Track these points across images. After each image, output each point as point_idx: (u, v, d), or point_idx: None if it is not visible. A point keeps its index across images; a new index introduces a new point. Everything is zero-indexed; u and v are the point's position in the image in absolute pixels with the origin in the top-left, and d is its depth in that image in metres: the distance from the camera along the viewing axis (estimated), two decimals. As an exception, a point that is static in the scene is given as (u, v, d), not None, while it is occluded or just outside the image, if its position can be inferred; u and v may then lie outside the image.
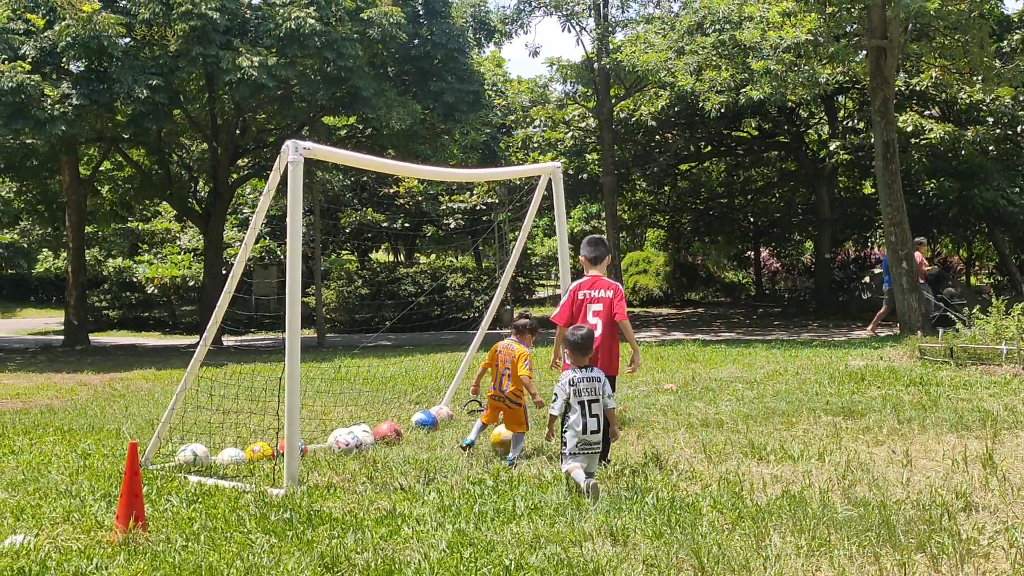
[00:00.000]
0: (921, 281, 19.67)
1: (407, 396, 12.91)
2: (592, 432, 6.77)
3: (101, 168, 29.69)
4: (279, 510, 6.55)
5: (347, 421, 10.55)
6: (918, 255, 20.06)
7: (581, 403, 6.82)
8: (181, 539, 5.95)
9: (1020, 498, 6.20)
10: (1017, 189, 27.86)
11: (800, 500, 6.19)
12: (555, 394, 6.96)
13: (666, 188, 39.17)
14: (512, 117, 33.87)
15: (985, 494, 6.33)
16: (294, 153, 7.50)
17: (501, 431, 8.78)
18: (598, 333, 7.57)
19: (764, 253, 45.53)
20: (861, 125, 31.89)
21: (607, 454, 7.56)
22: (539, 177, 10.85)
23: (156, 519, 6.46)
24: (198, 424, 9.65)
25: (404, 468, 7.94)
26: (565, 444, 6.88)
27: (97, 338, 31.00)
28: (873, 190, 31.39)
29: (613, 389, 7.43)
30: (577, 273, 8.51)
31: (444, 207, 39.57)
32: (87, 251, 32.05)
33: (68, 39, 20.72)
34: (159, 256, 39.59)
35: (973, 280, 40.88)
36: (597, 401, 6.85)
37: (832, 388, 11.68)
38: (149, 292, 37.59)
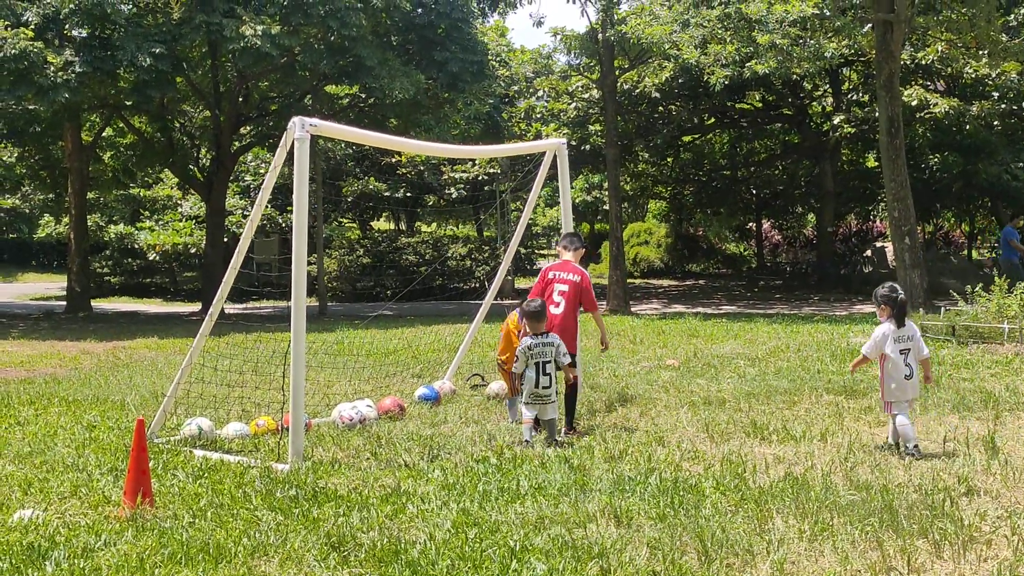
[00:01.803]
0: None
1: (410, 370, 12.95)
2: (544, 387, 8.04)
3: (103, 135, 29.64)
4: (284, 486, 6.58)
5: (350, 395, 10.58)
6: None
7: (536, 364, 8.07)
8: (188, 515, 5.98)
9: (1022, 483, 6.24)
10: (1021, 164, 27.82)
11: (803, 483, 6.23)
12: (517, 356, 8.19)
13: (669, 159, 39.06)
14: (515, 88, 33.74)
15: (987, 478, 6.37)
16: (301, 130, 7.47)
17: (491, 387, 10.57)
18: (560, 311, 8.59)
19: (766, 225, 45.49)
20: (865, 98, 31.74)
21: (571, 423, 8.68)
22: (543, 152, 10.83)
23: (163, 494, 6.50)
24: (203, 397, 9.69)
25: (408, 444, 7.98)
26: (523, 394, 8.16)
27: (99, 304, 31.06)
28: (877, 164, 31.33)
29: (575, 365, 8.71)
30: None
31: (446, 177, 39.48)
32: (89, 217, 32.02)
33: (71, 6, 20.58)
34: (161, 223, 39.57)
35: (975, 255, 40.85)
36: (550, 362, 8.10)
37: (834, 366, 11.72)
38: (151, 259, 37.65)
